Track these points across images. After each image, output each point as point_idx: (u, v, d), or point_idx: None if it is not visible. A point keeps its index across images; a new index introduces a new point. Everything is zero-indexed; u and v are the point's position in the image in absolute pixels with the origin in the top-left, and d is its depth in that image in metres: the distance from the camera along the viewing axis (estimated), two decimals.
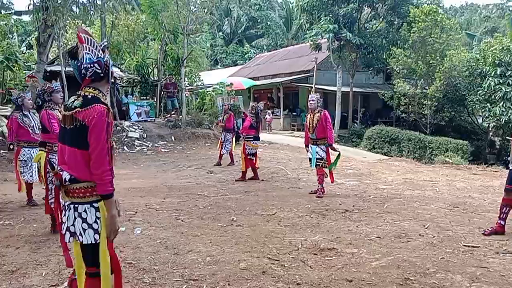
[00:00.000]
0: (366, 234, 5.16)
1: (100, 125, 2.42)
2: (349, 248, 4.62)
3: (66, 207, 2.56)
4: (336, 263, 4.20)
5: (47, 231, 5.15)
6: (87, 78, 2.55)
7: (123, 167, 11.11)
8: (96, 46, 2.54)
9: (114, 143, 2.70)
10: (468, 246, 4.72)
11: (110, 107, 2.58)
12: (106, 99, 2.61)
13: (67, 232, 2.55)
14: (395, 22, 20.91)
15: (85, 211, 2.50)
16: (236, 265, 4.11)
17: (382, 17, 21.58)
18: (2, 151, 11.90)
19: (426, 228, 5.47)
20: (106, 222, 2.50)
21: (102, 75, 2.56)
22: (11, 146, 6.31)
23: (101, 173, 2.42)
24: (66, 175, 2.53)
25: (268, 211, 6.31)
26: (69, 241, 2.57)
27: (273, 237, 5.01)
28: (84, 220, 2.50)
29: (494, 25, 40.10)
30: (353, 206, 6.74)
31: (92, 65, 2.52)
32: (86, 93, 2.53)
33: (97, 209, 2.50)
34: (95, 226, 2.50)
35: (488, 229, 5.23)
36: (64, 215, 2.58)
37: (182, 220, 5.80)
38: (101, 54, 2.55)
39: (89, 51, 2.52)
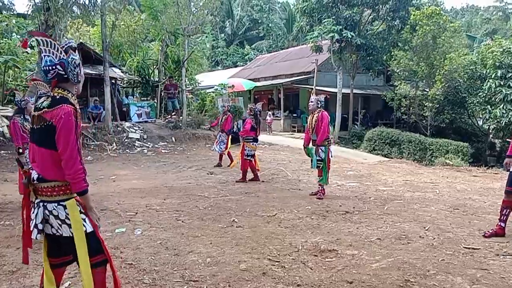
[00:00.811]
0: (366, 236, 5.16)
1: (68, 126, 2.46)
2: (350, 250, 4.62)
3: (36, 205, 2.61)
4: (337, 264, 4.20)
5: None
6: (51, 80, 2.58)
7: (123, 168, 11.12)
8: (58, 48, 2.54)
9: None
10: (469, 248, 4.72)
11: (77, 107, 2.59)
12: (75, 99, 2.64)
13: (35, 229, 2.59)
14: (396, 24, 20.92)
15: (54, 209, 2.56)
16: (236, 266, 4.11)
17: (383, 19, 21.59)
18: (2, 151, 11.92)
19: (426, 230, 5.47)
20: (90, 213, 2.62)
21: (65, 76, 2.57)
22: (20, 150, 6.31)
23: (74, 172, 2.46)
24: (34, 174, 2.59)
25: (268, 212, 6.31)
26: (36, 238, 2.62)
27: (273, 238, 5.01)
28: (56, 217, 2.56)
29: (495, 27, 40.12)
30: (354, 207, 6.74)
31: (53, 67, 2.54)
32: (55, 94, 2.58)
33: (64, 207, 2.56)
34: (67, 221, 2.57)
35: (488, 231, 5.23)
36: (33, 212, 2.62)
37: (182, 221, 5.80)
38: (63, 55, 2.54)
39: (49, 53, 2.53)
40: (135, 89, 22.21)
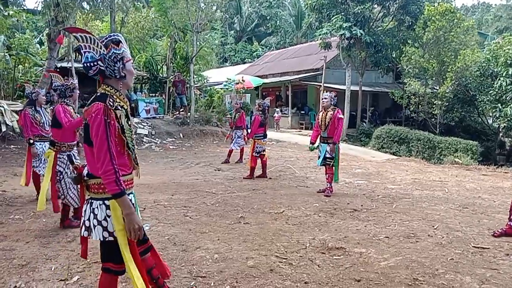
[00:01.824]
0: (374, 234, 5.14)
1: (96, 123, 2.39)
2: (357, 248, 4.60)
3: (86, 202, 2.61)
4: (344, 262, 4.18)
5: (56, 226, 5.20)
6: (94, 76, 2.54)
7: None
8: (98, 43, 2.46)
9: (129, 141, 2.60)
10: (478, 248, 4.68)
11: (113, 105, 2.47)
12: (120, 95, 2.56)
13: (83, 226, 2.58)
14: (406, 21, 20.73)
15: (97, 207, 2.52)
16: (244, 262, 4.11)
17: (393, 15, 21.39)
18: (12, 146, 12.02)
19: (435, 228, 5.43)
20: (125, 221, 2.46)
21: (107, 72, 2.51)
22: (31, 141, 6.36)
23: (103, 172, 2.38)
24: (85, 170, 2.60)
25: (276, 209, 6.31)
26: (83, 235, 2.59)
27: (281, 236, 5.01)
28: (95, 216, 2.52)
29: (506, 25, 39.66)
30: (362, 205, 6.71)
31: (94, 63, 2.47)
32: (98, 91, 2.54)
33: (107, 207, 2.50)
34: (104, 223, 2.49)
35: (498, 231, 5.18)
36: (83, 209, 2.62)
37: (190, 217, 5.82)
38: (103, 50, 2.46)
39: (89, 49, 2.46)
40: (143, 85, 22.29)
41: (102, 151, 2.38)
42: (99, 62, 2.47)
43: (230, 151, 11.58)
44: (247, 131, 11.74)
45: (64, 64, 16.82)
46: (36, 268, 3.90)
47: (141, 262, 2.59)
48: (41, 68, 17.82)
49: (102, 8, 16.65)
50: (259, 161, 9.29)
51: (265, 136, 9.26)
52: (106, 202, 2.50)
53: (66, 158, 5.15)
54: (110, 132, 2.41)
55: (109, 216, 2.49)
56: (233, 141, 11.48)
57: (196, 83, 21.34)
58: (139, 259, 2.60)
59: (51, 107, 5.86)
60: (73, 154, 5.31)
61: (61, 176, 5.14)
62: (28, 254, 4.22)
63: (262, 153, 9.17)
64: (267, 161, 9.58)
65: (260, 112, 9.27)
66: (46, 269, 3.88)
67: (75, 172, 2.62)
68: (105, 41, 2.49)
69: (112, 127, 2.44)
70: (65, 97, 5.22)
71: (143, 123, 16.59)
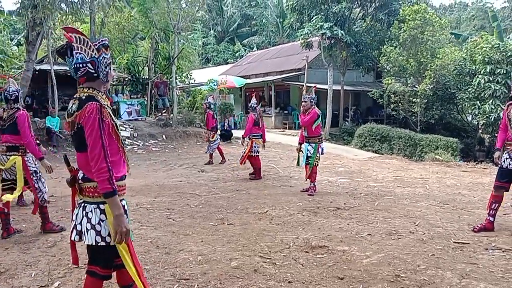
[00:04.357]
0: (357, 232, 5.18)
1: (90, 122, 2.39)
2: (340, 246, 4.63)
3: (78, 205, 2.59)
4: (327, 260, 4.21)
5: (36, 232, 5.11)
6: (80, 77, 2.52)
7: None
8: (90, 46, 2.48)
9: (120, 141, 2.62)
10: (458, 243, 4.76)
11: (104, 103, 2.50)
12: (102, 95, 2.55)
13: (74, 230, 2.55)
14: (384, 20, 20.96)
15: (91, 211, 2.50)
16: (227, 263, 4.11)
17: (371, 15, 21.62)
18: None
19: (416, 225, 5.50)
20: (114, 222, 2.43)
21: (95, 75, 2.51)
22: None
23: (96, 171, 2.37)
24: (80, 173, 2.57)
25: (259, 210, 6.31)
26: (74, 239, 2.57)
27: (264, 236, 5.01)
28: (88, 220, 2.49)
29: (482, 23, 40.46)
30: (344, 204, 6.76)
31: (84, 65, 2.48)
32: (81, 94, 2.51)
33: (102, 211, 2.48)
34: (97, 227, 2.48)
35: (477, 226, 5.28)
36: (75, 213, 2.59)
37: (173, 219, 5.78)
38: (95, 53, 2.49)
39: (81, 50, 2.47)
40: (124, 86, 22.07)
41: (96, 149, 2.38)
42: (88, 65, 2.49)
43: (211, 154, 11.54)
44: (230, 131, 11.67)
45: (44, 67, 16.53)
46: (15, 275, 3.83)
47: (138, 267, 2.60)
48: (20, 71, 17.49)
49: (82, 9, 16.38)
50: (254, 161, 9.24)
51: (261, 135, 9.23)
52: (101, 206, 2.49)
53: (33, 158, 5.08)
54: (103, 130, 2.41)
55: (103, 221, 2.48)
56: (208, 145, 11.43)
57: (180, 84, 21.22)
58: (138, 261, 2.61)
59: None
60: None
61: (38, 175, 5.07)
62: (7, 261, 4.14)
63: (256, 154, 9.11)
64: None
65: (253, 112, 9.19)
66: (26, 275, 3.81)
67: (71, 175, 2.59)
68: (98, 45, 2.52)
69: (106, 125, 2.45)
70: (18, 102, 5.04)
71: (125, 125, 16.40)
